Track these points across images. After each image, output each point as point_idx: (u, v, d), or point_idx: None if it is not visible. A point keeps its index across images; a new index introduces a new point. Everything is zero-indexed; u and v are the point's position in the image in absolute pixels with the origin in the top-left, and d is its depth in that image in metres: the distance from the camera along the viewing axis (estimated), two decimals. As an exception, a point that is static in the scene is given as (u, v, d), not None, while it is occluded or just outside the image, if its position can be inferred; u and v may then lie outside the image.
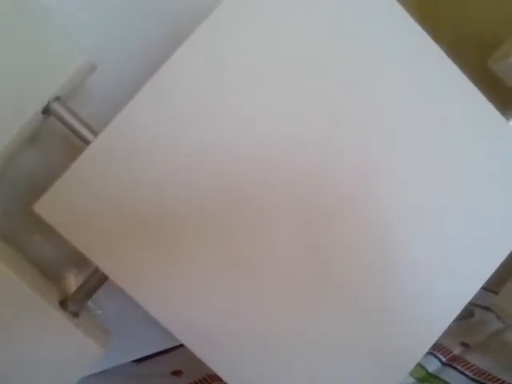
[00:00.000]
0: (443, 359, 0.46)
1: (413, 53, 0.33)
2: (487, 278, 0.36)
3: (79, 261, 0.40)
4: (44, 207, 0.30)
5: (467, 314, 0.53)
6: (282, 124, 0.32)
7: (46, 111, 0.31)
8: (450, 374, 0.44)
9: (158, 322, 0.43)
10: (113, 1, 0.36)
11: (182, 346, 0.47)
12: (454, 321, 0.36)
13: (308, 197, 0.32)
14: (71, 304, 0.32)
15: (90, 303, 0.36)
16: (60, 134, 0.35)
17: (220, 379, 0.42)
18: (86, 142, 0.30)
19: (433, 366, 0.45)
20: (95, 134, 0.31)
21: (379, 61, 0.33)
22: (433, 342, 0.35)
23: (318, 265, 0.33)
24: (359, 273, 0.33)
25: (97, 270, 0.32)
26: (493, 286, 0.50)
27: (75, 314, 0.32)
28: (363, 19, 0.32)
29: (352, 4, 0.32)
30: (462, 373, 0.44)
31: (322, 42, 0.32)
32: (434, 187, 0.34)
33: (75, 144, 0.32)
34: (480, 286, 0.36)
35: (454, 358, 0.46)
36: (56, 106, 0.30)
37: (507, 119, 0.35)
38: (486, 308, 0.53)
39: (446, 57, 0.33)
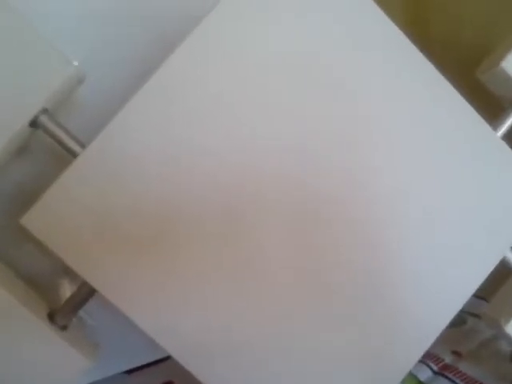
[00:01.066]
0: (435, 368, 0.46)
1: (401, 64, 0.34)
2: (478, 286, 0.36)
3: (70, 270, 0.40)
4: (31, 221, 0.29)
5: (459, 321, 0.53)
6: (273, 130, 0.32)
7: (34, 124, 0.30)
8: (441, 383, 0.45)
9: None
10: (100, 12, 0.37)
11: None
12: (445, 328, 0.36)
13: (301, 204, 0.32)
14: (59, 317, 0.32)
15: (82, 313, 0.36)
16: (48, 147, 0.35)
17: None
18: (74, 155, 0.30)
19: (424, 374, 0.45)
20: (83, 146, 0.30)
21: (368, 71, 0.33)
22: (424, 350, 0.35)
23: (310, 274, 0.33)
24: (350, 280, 0.34)
25: (85, 282, 0.31)
26: (485, 293, 0.50)
27: (63, 327, 0.32)
28: (354, 31, 0.33)
29: (343, 16, 0.32)
30: (453, 382, 0.44)
31: (316, 49, 0.32)
32: (425, 196, 0.34)
33: (63, 156, 0.32)
34: (471, 293, 0.36)
35: (446, 367, 0.46)
36: (43, 119, 0.30)
37: (495, 129, 0.35)
38: (478, 316, 0.53)
39: (432, 67, 0.34)
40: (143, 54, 0.37)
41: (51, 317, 0.32)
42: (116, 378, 0.45)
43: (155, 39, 0.37)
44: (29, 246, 0.37)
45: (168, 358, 0.47)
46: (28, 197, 0.31)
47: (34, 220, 0.29)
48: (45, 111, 0.31)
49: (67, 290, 0.39)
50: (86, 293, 0.32)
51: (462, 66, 0.39)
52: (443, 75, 0.34)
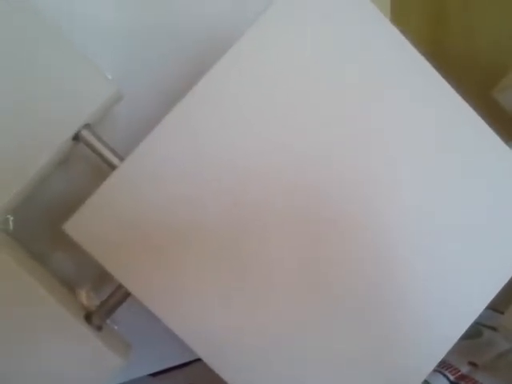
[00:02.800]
0: (451, 378, 0.47)
1: (417, 82, 0.35)
2: (492, 298, 0.36)
3: (99, 277, 0.43)
4: (72, 227, 0.32)
5: (475, 333, 0.54)
6: (286, 141, 0.33)
7: (76, 138, 0.33)
8: (458, 393, 0.45)
9: (174, 337, 0.45)
10: (138, 33, 0.39)
11: (196, 360, 0.49)
12: (462, 340, 0.36)
13: (310, 213, 0.34)
14: (95, 318, 0.34)
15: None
16: (88, 159, 0.38)
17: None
18: (113, 167, 0.33)
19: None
20: (121, 159, 0.33)
21: (383, 86, 0.35)
22: (438, 360, 0.36)
23: (320, 280, 0.34)
24: (362, 290, 0.35)
25: (120, 286, 0.34)
26: (501, 306, 0.51)
27: (99, 328, 0.34)
28: (368, 46, 0.34)
29: (358, 33, 0.34)
30: (469, 391, 0.45)
31: (330, 64, 0.34)
32: (440, 209, 0.35)
33: (101, 168, 0.34)
34: (485, 305, 0.36)
35: (462, 377, 0.47)
36: (85, 133, 0.33)
37: (511, 148, 0.37)
38: (494, 328, 0.54)
39: (449, 86, 0.35)
40: (176, 73, 0.39)
41: (87, 318, 0.34)
42: (141, 380, 0.47)
43: (188, 59, 0.39)
44: (67, 252, 0.40)
45: (191, 362, 0.49)
46: (66, 206, 0.33)
47: (75, 226, 0.32)
48: (86, 126, 0.33)
49: (90, 298, 0.42)
50: (122, 295, 0.34)
51: (479, 85, 0.40)
52: (460, 94, 0.35)
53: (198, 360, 0.48)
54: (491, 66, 0.45)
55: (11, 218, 0.36)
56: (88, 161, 0.38)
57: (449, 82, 0.35)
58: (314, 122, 0.34)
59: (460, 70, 0.37)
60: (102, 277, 0.41)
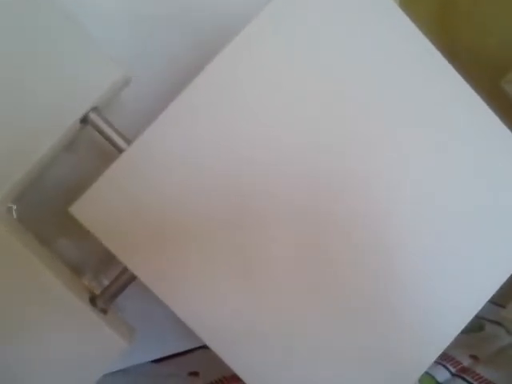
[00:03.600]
0: (452, 370, 0.47)
1: (426, 72, 0.35)
2: (494, 292, 0.36)
3: (102, 263, 0.43)
4: (79, 209, 0.32)
5: (477, 327, 0.54)
6: (289, 136, 0.33)
7: (84, 120, 0.33)
8: (459, 385, 0.46)
9: (177, 324, 0.45)
10: (147, 19, 0.39)
11: (198, 348, 0.49)
12: (463, 334, 0.37)
13: (314, 206, 0.34)
14: (100, 301, 0.34)
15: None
16: (94, 144, 0.38)
17: (235, 381, 0.43)
18: (120, 150, 0.33)
19: (442, 376, 0.46)
20: (128, 142, 0.33)
21: (389, 80, 0.34)
22: (439, 352, 0.36)
23: (322, 273, 0.34)
24: (364, 282, 0.35)
25: (125, 269, 0.34)
26: (503, 300, 0.51)
27: (104, 311, 0.34)
28: (377, 37, 0.34)
29: (373, 25, 0.34)
30: (470, 384, 0.45)
31: (336, 58, 0.34)
32: (443, 201, 0.35)
33: (107, 154, 0.35)
34: (487, 299, 0.36)
35: (464, 370, 0.47)
36: (93, 116, 0.33)
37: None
38: (497, 322, 0.54)
39: (458, 76, 0.35)
40: (184, 57, 0.39)
41: (92, 301, 0.34)
42: (144, 366, 0.48)
43: (197, 46, 0.39)
44: (73, 236, 0.40)
45: (193, 349, 0.49)
46: (72, 190, 0.33)
47: (82, 209, 0.32)
48: (94, 109, 0.33)
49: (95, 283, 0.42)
50: (127, 279, 0.34)
51: (488, 75, 0.40)
52: (468, 84, 0.35)
53: (201, 348, 0.49)
54: (501, 57, 0.45)
55: (14, 207, 0.36)
56: (94, 146, 0.38)
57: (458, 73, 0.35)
58: (320, 114, 0.34)
59: (469, 61, 0.36)
60: (107, 260, 0.41)
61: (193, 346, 0.49)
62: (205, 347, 0.48)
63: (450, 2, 0.56)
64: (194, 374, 0.46)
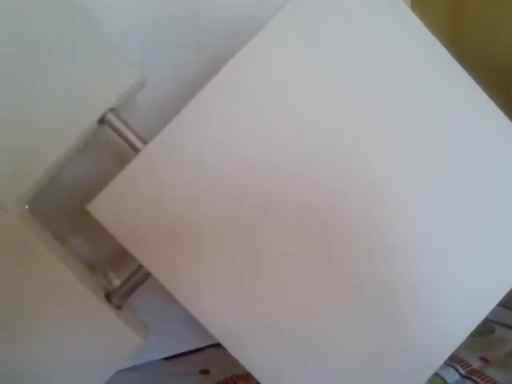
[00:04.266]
0: (462, 372, 0.47)
1: (437, 73, 0.35)
2: (504, 295, 0.37)
3: (113, 262, 0.44)
4: (96, 207, 0.33)
5: (487, 330, 0.54)
6: (301, 138, 0.34)
7: (102, 121, 0.34)
8: (468, 387, 0.46)
9: (189, 323, 0.45)
10: (162, 23, 0.40)
11: (210, 346, 0.50)
12: (474, 336, 0.37)
13: (320, 207, 0.34)
14: (115, 297, 0.35)
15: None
16: (110, 145, 0.39)
17: (246, 379, 0.44)
18: (136, 150, 0.33)
19: (452, 377, 0.46)
20: (144, 142, 0.33)
21: (402, 81, 0.35)
22: (449, 353, 0.36)
23: (333, 272, 0.35)
24: (374, 282, 0.35)
25: (140, 267, 0.34)
26: (513, 304, 0.51)
27: (118, 307, 0.35)
28: (388, 41, 0.34)
29: (386, 28, 0.34)
30: (480, 386, 0.45)
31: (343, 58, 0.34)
32: (452, 202, 0.36)
33: (124, 152, 0.35)
34: (497, 301, 0.37)
35: (473, 372, 0.47)
36: (110, 117, 0.34)
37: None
38: (507, 325, 0.54)
39: (470, 78, 0.35)
40: (199, 60, 0.40)
41: (107, 297, 0.35)
42: (155, 363, 0.48)
43: (209, 47, 0.40)
44: (89, 233, 0.41)
45: (205, 347, 0.50)
46: (88, 190, 0.34)
47: (99, 207, 0.33)
48: (111, 110, 0.34)
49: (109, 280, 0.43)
50: (141, 276, 0.35)
51: (496, 80, 0.40)
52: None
53: (212, 346, 0.49)
54: (509, 61, 0.45)
55: (26, 207, 0.37)
56: (110, 146, 0.39)
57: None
58: (331, 117, 0.34)
59: (477, 66, 0.37)
60: (122, 257, 0.42)
61: (204, 345, 0.49)
62: (215, 345, 0.49)
63: (458, 6, 0.56)
64: (205, 371, 0.47)
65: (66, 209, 0.41)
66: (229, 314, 0.34)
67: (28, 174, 0.33)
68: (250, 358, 0.34)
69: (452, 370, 0.47)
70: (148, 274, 0.34)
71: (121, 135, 0.34)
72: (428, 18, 0.35)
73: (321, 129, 0.34)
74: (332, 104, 0.34)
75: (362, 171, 0.35)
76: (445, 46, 0.35)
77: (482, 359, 0.49)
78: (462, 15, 0.55)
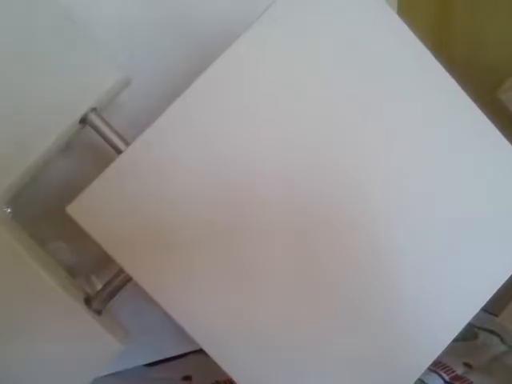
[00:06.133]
0: (446, 378, 0.47)
1: (423, 80, 0.35)
2: (487, 300, 0.37)
3: (95, 265, 0.43)
4: (76, 209, 0.32)
5: (470, 336, 0.54)
6: (291, 138, 0.33)
7: (83, 121, 0.33)
8: (452, 393, 0.45)
9: (171, 328, 0.45)
10: (146, 24, 0.39)
11: (192, 352, 0.49)
12: (457, 342, 0.37)
13: (310, 212, 0.34)
14: (95, 302, 0.34)
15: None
16: (91, 146, 0.38)
17: (229, 385, 0.43)
18: (118, 151, 0.33)
19: (436, 383, 0.46)
20: (127, 143, 0.33)
21: (387, 84, 0.35)
22: (433, 359, 0.36)
23: (318, 277, 0.34)
24: (358, 287, 0.35)
25: (120, 271, 0.34)
26: (496, 309, 0.51)
27: (98, 312, 0.34)
28: (374, 43, 0.34)
29: (362, 28, 0.34)
30: (464, 392, 0.45)
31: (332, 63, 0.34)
32: (437, 208, 0.35)
33: (106, 153, 0.35)
34: (480, 307, 0.37)
35: (457, 378, 0.47)
36: (92, 117, 0.33)
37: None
38: (490, 331, 0.54)
39: (456, 84, 0.35)
40: (183, 60, 0.40)
41: (87, 302, 0.34)
42: (137, 369, 0.47)
43: (196, 50, 0.40)
44: (68, 237, 0.40)
45: (187, 353, 0.49)
46: (68, 191, 0.33)
47: (79, 209, 0.32)
48: (93, 110, 0.33)
49: (92, 285, 0.42)
50: (122, 280, 0.34)
51: (484, 87, 0.40)
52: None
53: (194, 352, 0.49)
54: (497, 67, 0.46)
55: (8, 210, 0.36)
56: (92, 147, 0.39)
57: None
58: (321, 120, 0.34)
59: (465, 72, 0.37)
60: (102, 261, 0.41)
61: (186, 351, 0.48)
62: (198, 352, 0.48)
63: (446, 13, 0.56)
64: (187, 378, 0.46)
65: (48, 211, 0.40)
66: (212, 319, 0.33)
67: (7, 174, 0.32)
68: (233, 365, 0.34)
69: (436, 376, 0.47)
70: (129, 278, 0.33)
71: (103, 136, 0.33)
72: (415, 26, 0.35)
73: (307, 130, 0.34)
74: (319, 105, 0.34)
75: (350, 173, 0.34)
76: (432, 52, 0.35)
77: (466, 365, 0.49)
78: (449, 23, 0.56)
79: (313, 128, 0.34)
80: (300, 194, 0.34)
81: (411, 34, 0.34)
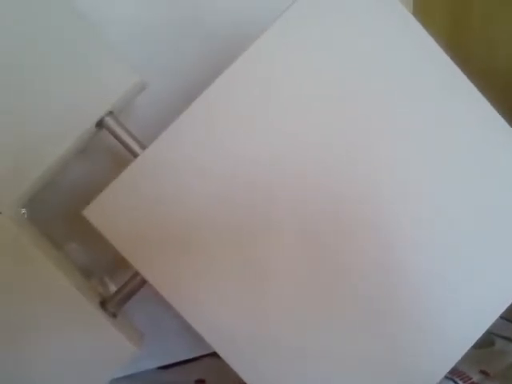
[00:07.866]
0: (463, 385, 0.46)
1: (437, 80, 0.35)
2: (506, 307, 0.36)
3: (109, 267, 0.43)
4: (92, 212, 0.32)
5: (488, 343, 0.53)
6: (305, 140, 0.33)
7: (100, 124, 0.33)
8: (469, 400, 0.45)
9: (185, 332, 0.45)
10: (162, 27, 0.40)
11: (205, 355, 0.49)
12: (474, 349, 0.36)
13: (318, 209, 0.34)
14: (110, 305, 0.34)
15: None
16: (108, 149, 0.38)
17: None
18: (135, 155, 0.33)
19: (452, 391, 0.46)
20: (143, 147, 0.33)
21: (403, 85, 0.34)
22: (450, 366, 0.36)
23: (333, 279, 0.34)
24: (376, 292, 0.34)
25: (136, 274, 0.34)
26: (514, 316, 0.50)
27: (113, 315, 0.34)
28: (389, 44, 0.34)
29: (379, 30, 0.34)
30: (481, 400, 0.44)
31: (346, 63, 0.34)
32: (456, 213, 0.35)
33: (121, 159, 0.35)
34: (499, 314, 0.36)
35: (474, 385, 0.47)
36: (109, 120, 0.33)
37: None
38: (507, 338, 0.53)
39: (471, 85, 0.35)
40: (199, 64, 0.40)
41: (102, 305, 0.34)
42: (151, 372, 0.47)
43: (209, 51, 0.40)
44: (84, 239, 0.40)
45: (201, 357, 0.49)
46: (85, 194, 0.33)
47: (95, 212, 0.32)
48: (110, 113, 0.33)
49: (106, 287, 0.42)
50: (137, 283, 0.34)
51: (500, 86, 0.40)
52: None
53: (207, 355, 0.49)
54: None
55: (23, 211, 0.36)
56: (108, 150, 0.39)
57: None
58: (337, 120, 0.34)
59: (480, 76, 0.36)
60: (118, 264, 0.41)
61: (199, 354, 0.48)
62: (211, 355, 0.48)
63: (462, 17, 0.56)
64: (201, 381, 0.46)
65: (63, 213, 0.40)
66: (227, 322, 0.33)
67: (24, 177, 0.32)
68: (247, 368, 0.34)
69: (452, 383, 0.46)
70: (144, 281, 0.33)
71: (119, 139, 0.33)
72: (431, 30, 0.35)
73: (321, 130, 0.34)
74: (333, 105, 0.34)
75: (363, 173, 0.34)
76: (446, 51, 0.34)
77: (483, 372, 0.49)
78: (465, 26, 0.55)
79: (329, 128, 0.34)
80: (314, 196, 0.34)
81: (426, 34, 0.34)
